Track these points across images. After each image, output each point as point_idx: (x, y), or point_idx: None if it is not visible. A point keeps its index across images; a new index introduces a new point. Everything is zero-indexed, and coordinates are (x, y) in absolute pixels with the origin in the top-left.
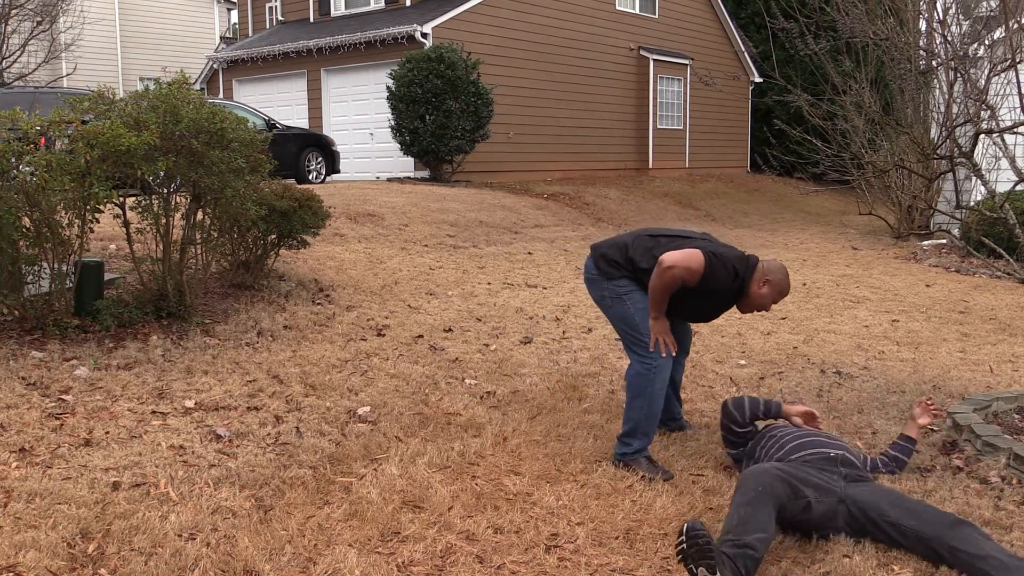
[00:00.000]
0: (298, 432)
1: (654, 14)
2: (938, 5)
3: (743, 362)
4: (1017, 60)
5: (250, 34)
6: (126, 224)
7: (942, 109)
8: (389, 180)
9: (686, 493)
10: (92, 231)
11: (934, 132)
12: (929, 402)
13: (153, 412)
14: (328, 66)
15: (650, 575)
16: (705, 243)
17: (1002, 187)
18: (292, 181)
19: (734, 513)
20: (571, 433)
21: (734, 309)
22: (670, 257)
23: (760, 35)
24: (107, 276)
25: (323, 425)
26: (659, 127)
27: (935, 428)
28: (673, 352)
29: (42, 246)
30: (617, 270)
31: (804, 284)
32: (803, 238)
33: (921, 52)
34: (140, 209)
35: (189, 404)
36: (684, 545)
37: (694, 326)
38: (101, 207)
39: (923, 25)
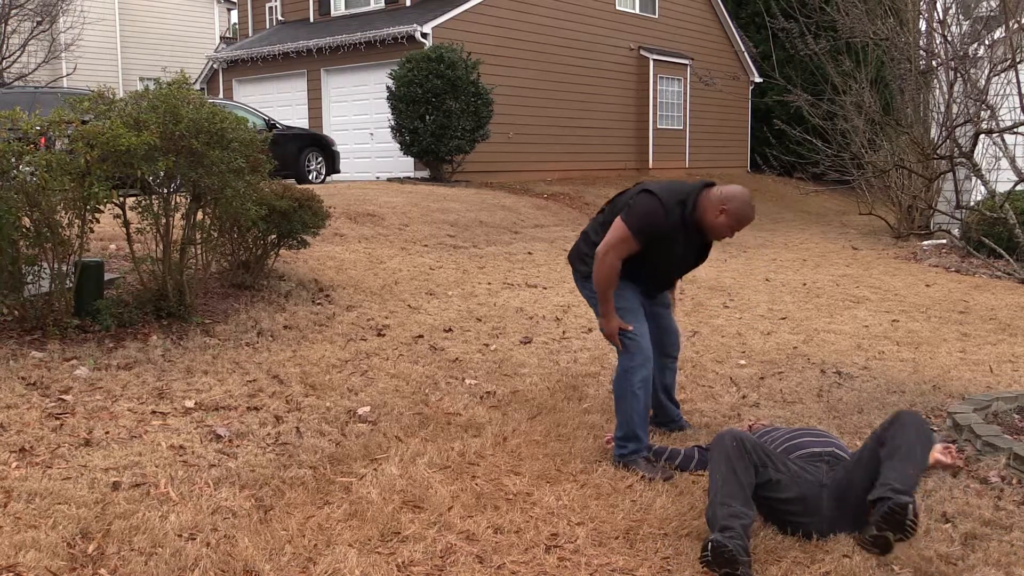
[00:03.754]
0: (298, 432)
1: (654, 14)
2: (938, 5)
3: (743, 362)
4: (1017, 60)
5: (250, 34)
6: (126, 224)
7: (942, 109)
8: (389, 180)
9: (686, 493)
10: (92, 231)
11: (934, 132)
12: (955, 450)
13: (153, 412)
14: (328, 66)
15: (650, 575)
16: (639, 197)
17: (1002, 187)
18: (292, 181)
19: (716, 478)
20: (571, 433)
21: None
22: (600, 247)
23: (760, 35)
24: (107, 276)
25: (323, 425)
26: (659, 127)
27: (935, 428)
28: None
29: (42, 246)
30: (589, 266)
31: (804, 284)
32: (803, 238)
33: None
34: (140, 209)
35: (189, 404)
36: (710, 559)
37: (694, 324)
38: (101, 207)
39: (923, 25)
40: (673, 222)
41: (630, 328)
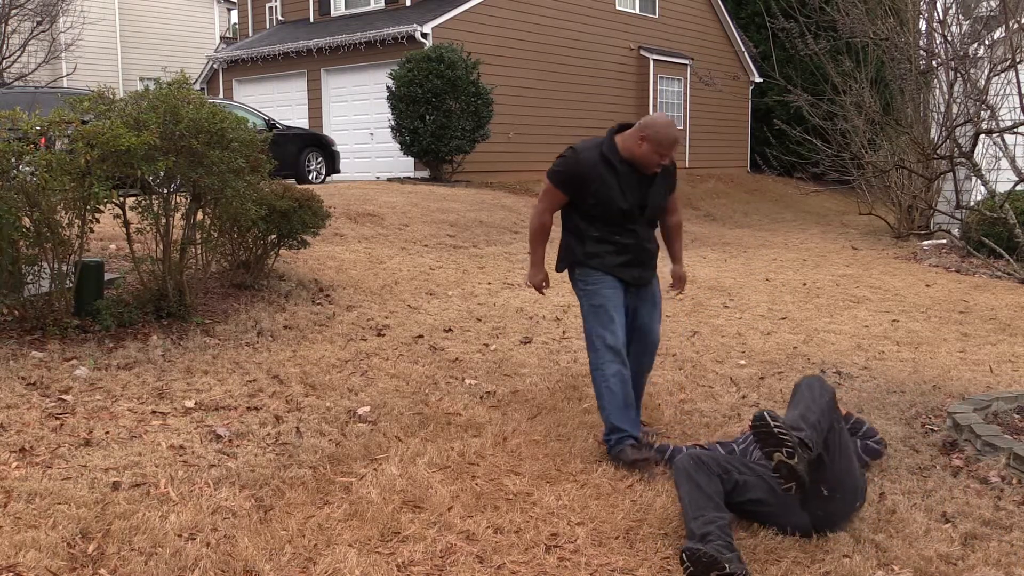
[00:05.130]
0: (298, 432)
1: (654, 14)
2: (938, 5)
3: (743, 362)
4: (1017, 60)
5: (250, 34)
6: (126, 224)
7: (942, 109)
8: (389, 180)
9: None
10: (92, 231)
11: (934, 132)
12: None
13: (153, 412)
14: (328, 66)
15: (650, 575)
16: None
17: (1002, 187)
18: (292, 181)
19: (684, 497)
20: (571, 433)
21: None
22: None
23: (760, 35)
24: (107, 276)
25: (323, 425)
26: None
27: (935, 428)
28: (545, 294)
29: (42, 246)
30: (562, 259)
31: (804, 284)
32: (803, 238)
33: (921, 52)
34: (140, 209)
35: (189, 404)
36: (692, 569)
37: (694, 324)
38: (101, 207)
39: (923, 25)
40: (589, 161)
41: (542, 289)
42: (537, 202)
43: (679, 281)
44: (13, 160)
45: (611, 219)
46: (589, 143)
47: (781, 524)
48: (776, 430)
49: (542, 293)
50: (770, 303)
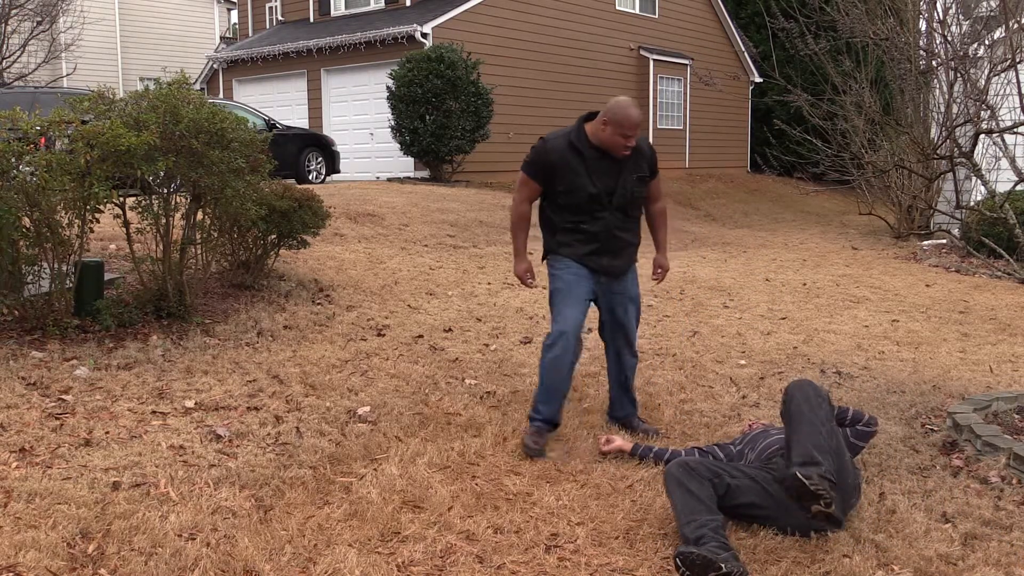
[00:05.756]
0: (298, 432)
1: (654, 14)
2: (938, 5)
3: (743, 362)
4: (1017, 60)
5: (250, 34)
6: (126, 224)
7: (942, 109)
8: (389, 180)
9: None
10: (92, 231)
11: (934, 132)
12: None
13: (153, 412)
14: (328, 66)
15: (650, 575)
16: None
17: (1002, 187)
18: (292, 181)
19: (676, 504)
20: (571, 433)
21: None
22: None
23: (760, 35)
24: (107, 276)
25: (323, 425)
26: (659, 127)
27: (935, 428)
28: (530, 286)
29: (42, 246)
30: (543, 250)
31: (804, 284)
32: (803, 238)
33: (921, 52)
34: (140, 209)
35: (189, 404)
36: (688, 573)
37: (694, 324)
38: (101, 207)
39: (923, 25)
40: (558, 149)
41: (527, 280)
42: (515, 194)
43: (660, 270)
44: (13, 160)
45: (580, 207)
46: (559, 132)
47: (779, 526)
48: (812, 487)
49: (527, 285)
50: (770, 303)
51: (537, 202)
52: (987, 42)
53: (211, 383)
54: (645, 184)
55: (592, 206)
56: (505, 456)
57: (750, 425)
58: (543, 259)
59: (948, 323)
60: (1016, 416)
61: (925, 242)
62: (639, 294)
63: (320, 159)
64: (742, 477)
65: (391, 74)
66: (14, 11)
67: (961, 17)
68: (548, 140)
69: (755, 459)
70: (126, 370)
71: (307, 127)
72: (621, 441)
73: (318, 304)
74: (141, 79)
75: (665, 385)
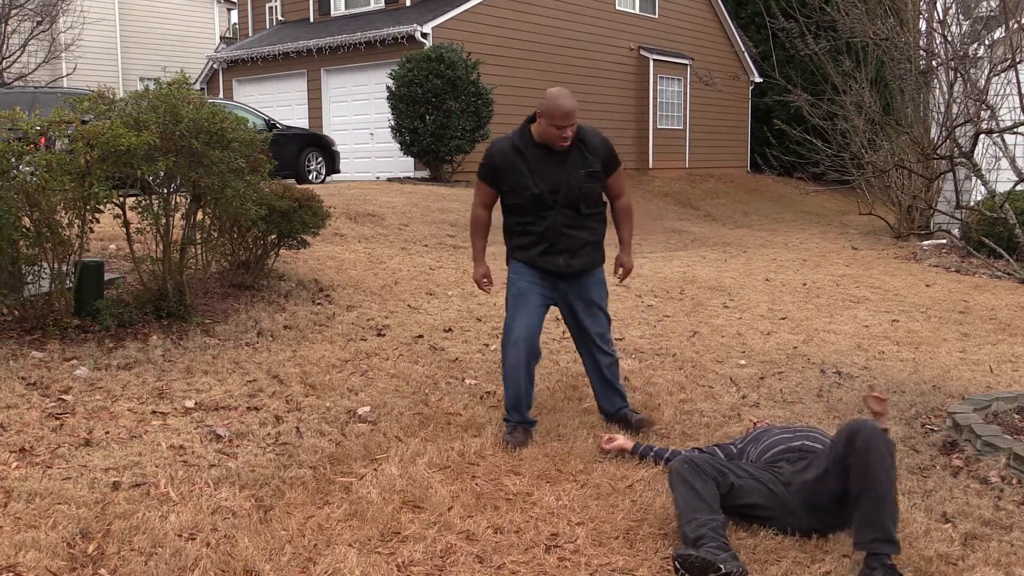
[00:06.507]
0: (298, 432)
1: (654, 14)
2: (938, 5)
3: (743, 362)
4: (1017, 60)
5: (250, 34)
6: (126, 224)
7: (942, 109)
8: (389, 180)
9: None
10: (92, 231)
11: (934, 132)
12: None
13: (153, 412)
14: (328, 66)
15: (650, 575)
16: None
17: (1002, 187)
18: (292, 181)
19: (678, 501)
20: (571, 433)
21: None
22: None
23: (760, 35)
24: (107, 276)
25: (323, 425)
26: (659, 127)
27: (935, 428)
28: (486, 291)
29: (42, 246)
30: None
31: (804, 284)
32: (803, 238)
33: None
34: (140, 209)
35: (189, 404)
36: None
37: (694, 324)
38: (101, 207)
39: (923, 25)
40: (501, 152)
41: (482, 284)
42: (473, 202)
43: (622, 269)
44: (13, 160)
45: (525, 207)
46: (505, 135)
47: (780, 526)
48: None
49: (484, 290)
50: (770, 303)
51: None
52: (987, 42)
53: (211, 383)
54: (598, 179)
55: (537, 206)
56: (505, 456)
57: (755, 424)
58: (507, 264)
59: (948, 323)
60: (1016, 416)
61: (925, 242)
62: (604, 298)
63: (320, 159)
64: (747, 477)
65: (391, 74)
66: (14, 11)
67: (961, 17)
68: (494, 144)
69: (757, 457)
70: (126, 370)
71: (307, 127)
72: (623, 440)
73: (318, 304)
74: (141, 79)
75: (665, 385)
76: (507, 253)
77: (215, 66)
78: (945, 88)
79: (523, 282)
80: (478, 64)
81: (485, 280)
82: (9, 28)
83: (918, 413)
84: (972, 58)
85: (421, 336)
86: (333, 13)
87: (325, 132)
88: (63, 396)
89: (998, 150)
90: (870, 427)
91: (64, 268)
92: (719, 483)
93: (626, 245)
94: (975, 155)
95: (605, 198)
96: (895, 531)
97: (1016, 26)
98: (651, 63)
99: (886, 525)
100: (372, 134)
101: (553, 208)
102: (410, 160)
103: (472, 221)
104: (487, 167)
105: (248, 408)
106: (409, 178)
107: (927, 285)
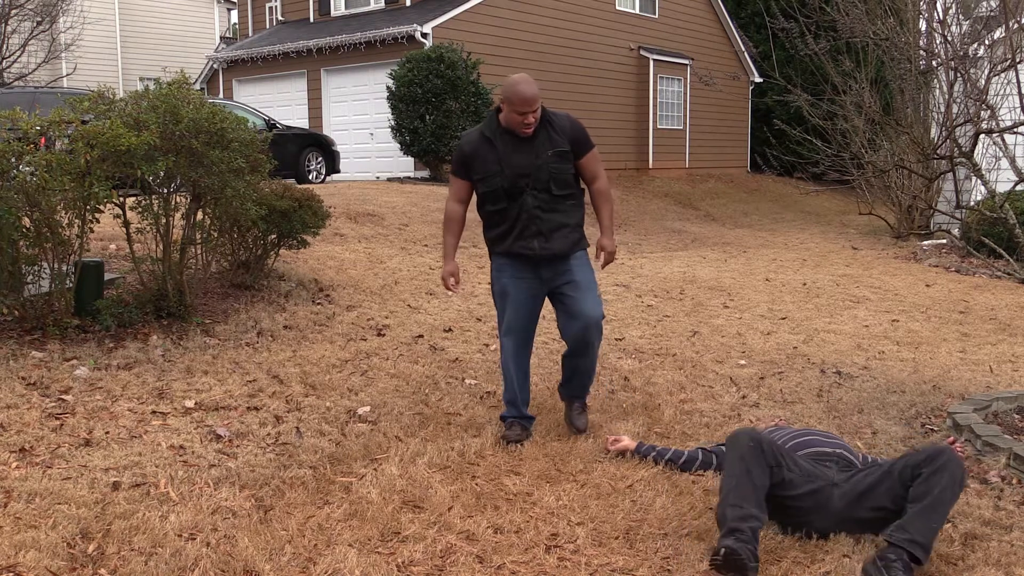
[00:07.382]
0: (298, 432)
1: (654, 14)
2: (938, 5)
3: (743, 362)
4: (1017, 60)
5: (250, 34)
6: (126, 224)
7: (942, 109)
8: (389, 180)
9: (686, 493)
10: (92, 231)
11: (934, 132)
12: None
13: (153, 412)
14: (328, 66)
15: (650, 575)
16: None
17: (1002, 187)
18: (292, 181)
19: (729, 478)
20: (571, 433)
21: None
22: None
23: (760, 35)
24: (107, 276)
25: (323, 425)
26: (659, 127)
27: (935, 429)
28: (452, 290)
29: (42, 246)
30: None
31: (804, 284)
32: (803, 238)
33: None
34: (140, 209)
35: (189, 404)
36: (721, 564)
37: (694, 324)
38: (101, 207)
39: (923, 25)
40: (471, 142)
41: (448, 283)
42: (448, 197)
43: (604, 254)
44: (13, 160)
45: (496, 194)
46: (475, 127)
47: (802, 521)
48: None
49: (450, 289)
50: (770, 303)
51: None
52: (987, 42)
53: (211, 383)
54: (567, 160)
55: (509, 191)
56: (505, 456)
57: (776, 423)
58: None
59: (948, 323)
60: (1016, 416)
61: (925, 242)
62: (592, 281)
63: (320, 159)
64: (798, 472)
65: (391, 74)
66: (14, 11)
67: (961, 17)
68: (464, 135)
69: (804, 454)
70: (126, 370)
71: (307, 127)
72: (628, 440)
73: (318, 304)
74: (141, 79)
75: (665, 385)
76: (488, 249)
77: (215, 66)
78: (945, 88)
79: (505, 278)
80: (478, 64)
81: (452, 279)
82: (9, 28)
83: (918, 413)
84: (972, 58)
85: (421, 336)
86: (333, 13)
87: (325, 132)
88: (63, 396)
89: (998, 150)
90: (956, 455)
91: (64, 268)
92: (773, 472)
93: (607, 229)
94: (975, 155)
95: (582, 184)
96: (932, 546)
97: (1016, 26)
98: (651, 63)
99: (928, 533)
100: (372, 134)
101: (525, 191)
102: (410, 160)
103: (445, 217)
104: (458, 158)
105: (248, 408)
106: (409, 178)
107: (927, 285)
